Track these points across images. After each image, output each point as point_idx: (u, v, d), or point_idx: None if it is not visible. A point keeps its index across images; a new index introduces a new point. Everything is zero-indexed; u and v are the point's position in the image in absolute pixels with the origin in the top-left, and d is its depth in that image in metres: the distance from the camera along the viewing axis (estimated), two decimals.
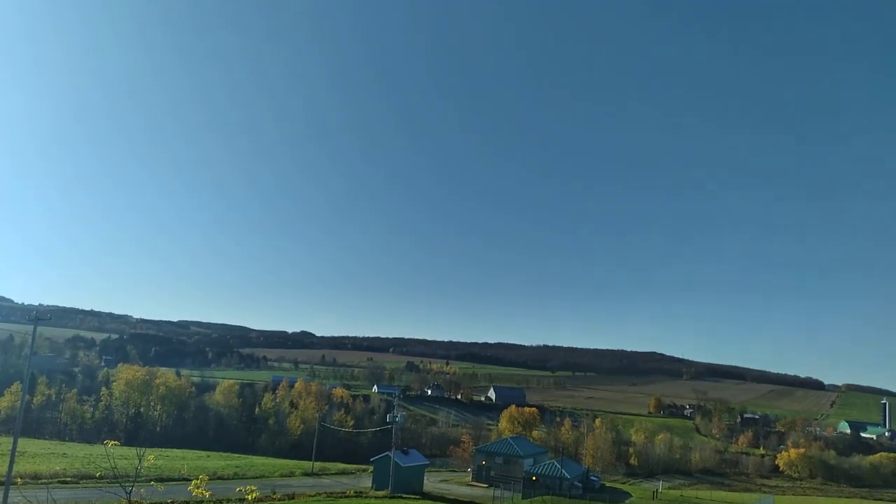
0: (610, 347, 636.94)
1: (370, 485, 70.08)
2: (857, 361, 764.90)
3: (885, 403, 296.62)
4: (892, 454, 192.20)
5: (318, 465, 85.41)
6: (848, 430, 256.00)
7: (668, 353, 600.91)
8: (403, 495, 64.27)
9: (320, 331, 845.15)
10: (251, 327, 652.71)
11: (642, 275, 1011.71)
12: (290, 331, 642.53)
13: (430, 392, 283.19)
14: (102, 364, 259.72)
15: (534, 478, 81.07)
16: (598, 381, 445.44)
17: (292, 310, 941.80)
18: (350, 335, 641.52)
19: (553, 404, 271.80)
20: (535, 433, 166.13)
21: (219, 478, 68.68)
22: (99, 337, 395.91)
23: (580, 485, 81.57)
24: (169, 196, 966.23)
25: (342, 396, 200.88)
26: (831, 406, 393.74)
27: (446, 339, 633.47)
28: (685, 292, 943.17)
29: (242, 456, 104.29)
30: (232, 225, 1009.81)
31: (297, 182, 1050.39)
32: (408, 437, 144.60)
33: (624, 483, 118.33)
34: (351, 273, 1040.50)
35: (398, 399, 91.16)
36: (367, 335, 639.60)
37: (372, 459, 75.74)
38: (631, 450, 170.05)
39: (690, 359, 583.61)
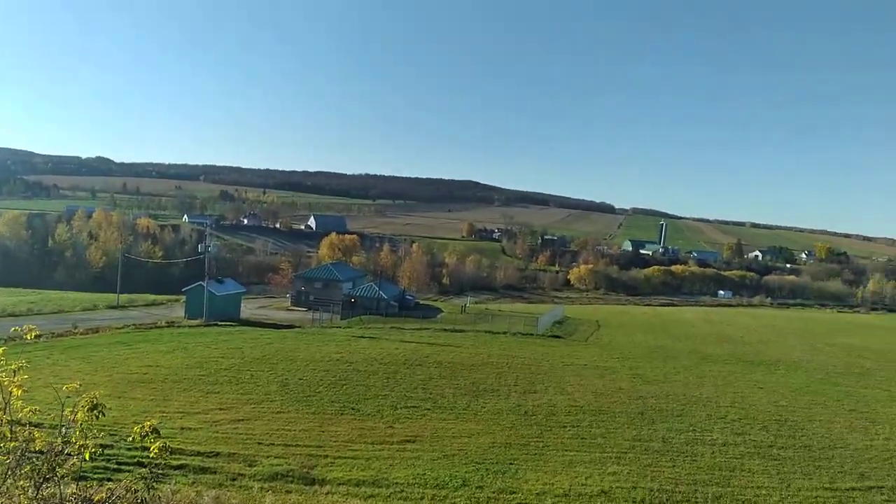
0: (429, 176, 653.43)
1: (183, 315, 68.40)
2: (643, 187, 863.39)
3: (662, 224, 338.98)
4: (662, 267, 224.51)
5: (124, 297, 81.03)
6: (630, 248, 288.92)
7: (482, 182, 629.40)
8: (219, 323, 63.59)
9: (119, 156, 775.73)
10: (36, 151, 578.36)
11: (459, 106, 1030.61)
12: (83, 156, 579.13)
13: (246, 221, 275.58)
14: None
15: (352, 299, 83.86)
16: (417, 209, 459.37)
17: (84, 131, 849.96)
18: (154, 161, 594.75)
19: (373, 231, 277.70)
20: (355, 259, 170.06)
21: (10, 315, 63.00)
22: None
23: (396, 304, 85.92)
24: None
25: (148, 227, 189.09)
26: (619, 227, 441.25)
27: (263, 168, 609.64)
28: (498, 123, 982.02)
29: (37, 291, 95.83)
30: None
31: None
32: (224, 266, 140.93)
33: (436, 300, 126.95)
34: (153, 90, 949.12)
35: (210, 228, 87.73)
36: (173, 161, 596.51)
37: (184, 290, 73.36)
38: (444, 271, 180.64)
39: (502, 186, 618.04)
